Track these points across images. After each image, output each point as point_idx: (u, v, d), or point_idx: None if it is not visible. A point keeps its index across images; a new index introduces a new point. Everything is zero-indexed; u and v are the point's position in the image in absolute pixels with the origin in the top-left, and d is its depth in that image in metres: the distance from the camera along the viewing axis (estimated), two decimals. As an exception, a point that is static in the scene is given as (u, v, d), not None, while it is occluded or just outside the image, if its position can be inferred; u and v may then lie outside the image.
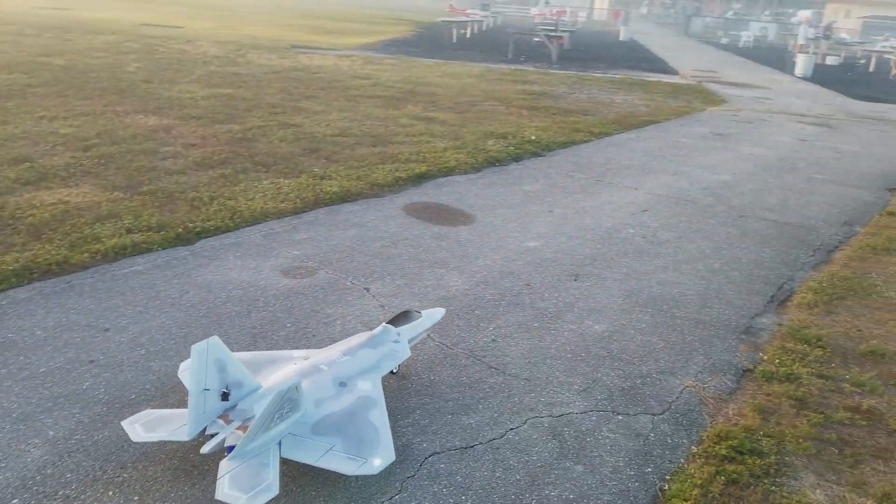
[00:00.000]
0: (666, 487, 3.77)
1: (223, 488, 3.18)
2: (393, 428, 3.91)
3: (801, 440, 4.22)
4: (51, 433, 3.83)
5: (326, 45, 26.54)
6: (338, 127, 12.17)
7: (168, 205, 7.57)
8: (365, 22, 42.40)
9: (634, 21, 57.29)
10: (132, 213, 7.18)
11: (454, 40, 33.34)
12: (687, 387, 4.79)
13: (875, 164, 12.88)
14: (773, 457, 4.05)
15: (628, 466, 3.93)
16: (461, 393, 4.49)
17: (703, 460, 3.98)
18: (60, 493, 3.41)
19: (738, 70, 30.81)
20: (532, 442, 4.07)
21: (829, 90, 25.06)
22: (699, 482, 3.78)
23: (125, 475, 3.55)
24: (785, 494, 3.76)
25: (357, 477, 3.60)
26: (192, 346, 3.42)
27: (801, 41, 37.29)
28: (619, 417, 4.38)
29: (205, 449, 3.41)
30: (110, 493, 3.43)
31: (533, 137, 12.43)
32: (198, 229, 6.91)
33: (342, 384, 3.87)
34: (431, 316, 4.72)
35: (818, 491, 3.82)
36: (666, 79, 24.91)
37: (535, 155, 11.49)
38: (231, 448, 3.36)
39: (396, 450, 3.64)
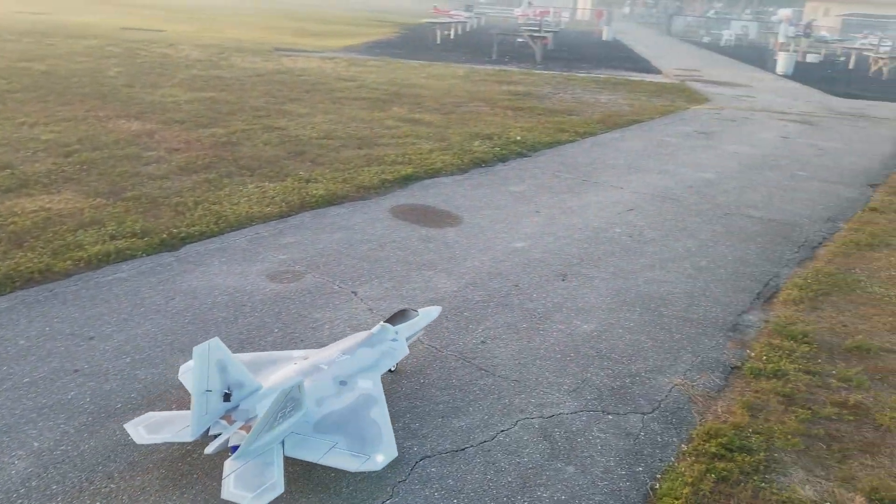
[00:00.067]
0: (657, 486, 3.78)
1: (229, 487, 3.21)
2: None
3: (789, 436, 4.25)
4: (35, 444, 3.77)
5: (310, 48, 26.45)
6: (323, 129, 12.12)
7: (152, 210, 7.50)
8: (348, 24, 42.30)
9: (617, 21, 57.62)
10: (115, 219, 7.10)
11: (438, 41, 33.37)
12: (676, 385, 4.81)
13: (856, 161, 13.02)
14: (762, 453, 4.07)
15: (619, 466, 3.93)
16: (451, 395, 4.48)
17: (693, 458, 4.00)
18: (46, 505, 3.36)
19: (721, 69, 31.05)
20: (523, 443, 4.06)
21: (810, 87, 25.32)
22: (690, 480, 3.79)
23: (112, 486, 3.50)
24: (775, 491, 3.77)
25: (348, 483, 3.59)
26: (194, 348, 3.43)
27: (781, 39, 37.65)
28: (610, 417, 4.38)
29: (209, 449, 3.42)
30: (97, 504, 3.38)
31: (518, 138, 12.45)
32: (182, 235, 6.85)
33: (342, 383, 3.91)
34: (428, 314, 4.76)
35: (807, 487, 3.84)
36: (649, 78, 25.05)
37: (521, 155, 11.51)
38: (235, 448, 3.38)
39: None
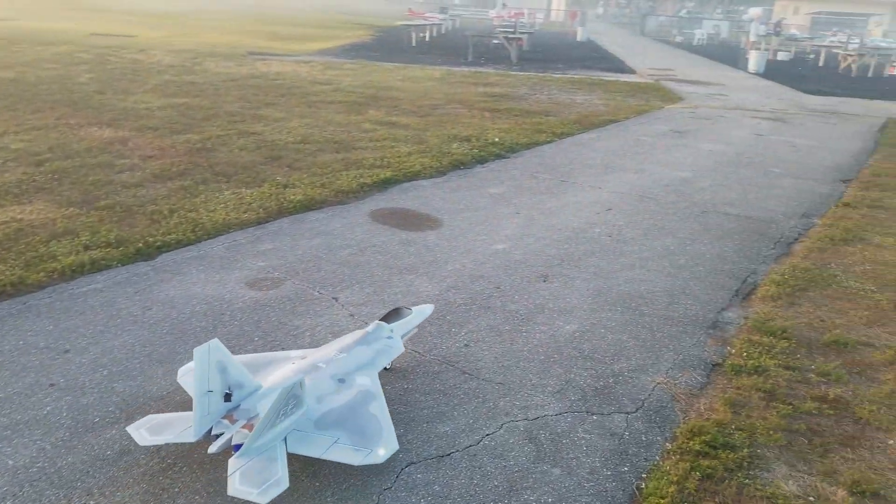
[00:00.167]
0: (643, 486, 3.79)
1: (234, 484, 3.25)
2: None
3: (771, 432, 4.28)
4: (10, 462, 3.68)
5: (284, 52, 26.27)
6: (299, 134, 12.03)
7: (126, 219, 7.38)
8: (323, 27, 42.09)
9: (591, 21, 57.98)
10: (89, 228, 6.97)
11: (414, 44, 33.34)
12: (658, 384, 4.83)
13: (828, 157, 13.23)
14: (745, 450, 4.10)
15: (605, 466, 3.94)
16: (435, 400, 4.46)
17: (677, 457, 4.01)
18: (23, 524, 3.28)
19: (694, 67, 31.41)
20: (508, 447, 4.05)
21: (782, 85, 25.72)
22: (675, 479, 3.80)
23: (91, 502, 3.42)
24: (759, 487, 3.80)
25: (332, 492, 3.56)
26: (194, 350, 3.48)
27: (752, 38, 38.16)
28: (594, 417, 4.39)
29: (212, 448, 3.46)
30: (76, 522, 3.31)
31: (496, 139, 12.46)
32: (158, 243, 6.74)
33: (341, 380, 3.98)
34: (422, 312, 4.85)
35: (791, 482, 3.87)
36: (624, 78, 25.25)
37: (500, 157, 11.52)
38: (237, 447, 3.42)
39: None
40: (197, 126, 12.18)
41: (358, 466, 3.56)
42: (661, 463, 3.98)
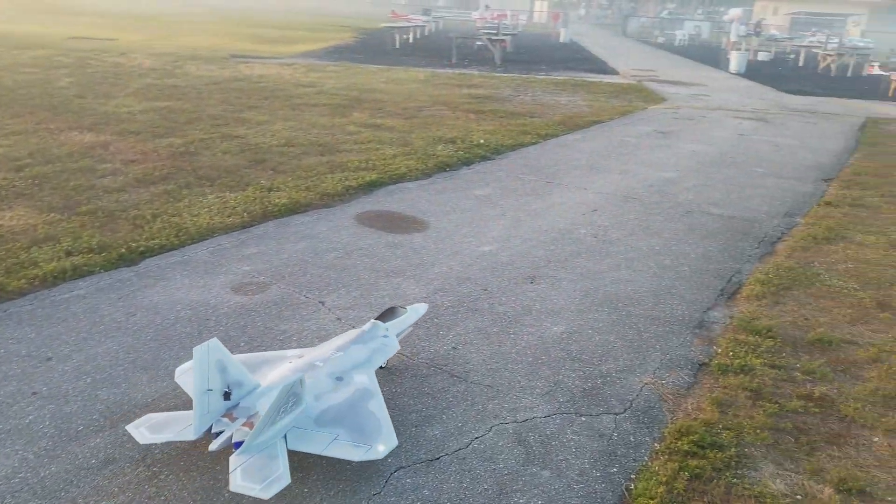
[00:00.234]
0: (632, 487, 3.80)
1: (236, 480, 3.30)
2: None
3: (758, 431, 4.31)
4: (-8, 473, 3.61)
5: (267, 54, 26.12)
6: (283, 137, 11.96)
7: (109, 224, 7.29)
8: (306, 29, 41.93)
9: (573, 23, 58.27)
10: (71, 234, 6.88)
11: (397, 46, 33.29)
12: (646, 384, 4.84)
13: (809, 156, 13.36)
14: (732, 449, 4.12)
15: (594, 468, 3.94)
16: (424, 404, 4.44)
17: (666, 457, 4.03)
18: (5, 537, 3.23)
19: (676, 68, 31.63)
20: (498, 450, 4.04)
21: (763, 85, 25.96)
22: (664, 479, 3.81)
23: (76, 513, 3.37)
24: (747, 486, 3.82)
25: (322, 498, 3.53)
26: (194, 349, 3.51)
27: (733, 38, 38.57)
28: (583, 419, 4.39)
29: (213, 446, 3.49)
30: (60, 533, 3.26)
31: (482, 141, 12.47)
32: (141, 249, 6.67)
33: (338, 378, 4.02)
34: (416, 311, 4.91)
35: (778, 480, 3.89)
36: (607, 79, 25.37)
37: (485, 159, 11.53)
38: (238, 444, 3.46)
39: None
40: (179, 130, 12.07)
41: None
42: (649, 463, 3.99)
